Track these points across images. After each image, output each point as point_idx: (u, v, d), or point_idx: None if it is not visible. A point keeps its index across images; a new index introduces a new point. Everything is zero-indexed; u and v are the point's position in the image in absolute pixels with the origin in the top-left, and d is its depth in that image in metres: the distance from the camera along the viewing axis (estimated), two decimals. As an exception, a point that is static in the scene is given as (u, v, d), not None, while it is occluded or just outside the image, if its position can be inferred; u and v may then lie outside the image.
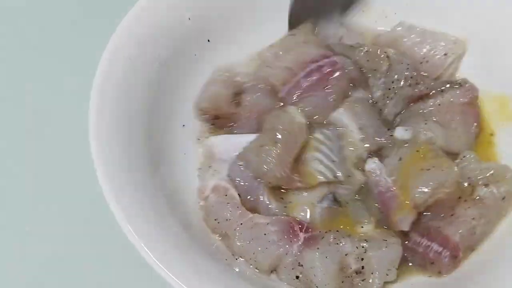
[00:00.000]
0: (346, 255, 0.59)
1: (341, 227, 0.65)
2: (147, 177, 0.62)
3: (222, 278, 0.57)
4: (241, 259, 0.62)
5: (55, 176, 0.77)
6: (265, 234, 0.61)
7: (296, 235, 0.61)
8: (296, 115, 0.66)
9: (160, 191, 0.62)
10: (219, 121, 0.72)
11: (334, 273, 0.59)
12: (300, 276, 0.60)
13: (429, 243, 0.61)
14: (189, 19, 0.72)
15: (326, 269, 0.58)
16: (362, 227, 0.66)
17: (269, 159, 0.63)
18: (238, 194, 0.65)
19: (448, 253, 0.60)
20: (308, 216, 0.65)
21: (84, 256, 0.72)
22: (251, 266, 0.61)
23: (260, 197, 0.64)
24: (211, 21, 0.74)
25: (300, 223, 0.62)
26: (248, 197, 0.65)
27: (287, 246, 0.60)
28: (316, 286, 0.59)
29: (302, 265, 0.59)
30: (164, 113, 0.70)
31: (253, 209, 0.64)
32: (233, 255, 0.62)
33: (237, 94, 0.72)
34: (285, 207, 0.66)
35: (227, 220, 0.62)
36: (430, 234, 0.61)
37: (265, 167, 0.63)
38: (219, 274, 0.57)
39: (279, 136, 0.64)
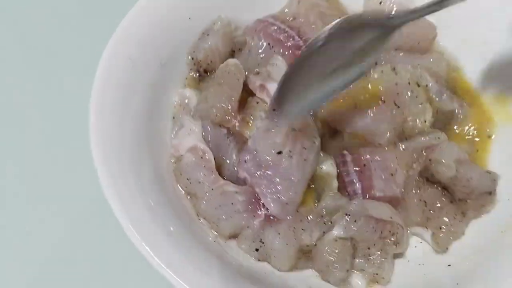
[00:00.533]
0: (302, 231, 0.61)
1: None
2: (146, 175, 0.62)
3: (221, 274, 0.56)
4: (204, 221, 0.62)
5: (55, 176, 0.78)
6: (232, 203, 0.61)
7: (260, 208, 0.62)
8: (231, 60, 0.70)
9: (160, 190, 0.62)
10: (206, 75, 0.73)
11: (293, 255, 0.60)
12: (260, 249, 0.61)
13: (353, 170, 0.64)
14: (190, 18, 0.72)
15: (285, 253, 0.60)
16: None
17: (213, 97, 0.68)
18: (212, 152, 0.65)
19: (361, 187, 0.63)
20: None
21: (84, 256, 0.72)
22: (212, 229, 0.62)
23: (229, 155, 0.65)
24: (211, 21, 0.75)
25: None
26: (220, 154, 0.65)
27: (250, 219, 0.61)
28: (274, 263, 0.61)
29: (263, 242, 0.61)
30: (164, 113, 0.70)
31: (220, 166, 0.65)
32: (197, 215, 0.63)
33: (234, 51, 0.74)
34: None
35: (199, 182, 0.62)
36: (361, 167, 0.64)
37: (210, 104, 0.67)
38: (220, 270, 0.57)
39: (219, 79, 0.69)
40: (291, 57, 0.72)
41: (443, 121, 0.70)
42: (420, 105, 0.67)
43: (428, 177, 0.65)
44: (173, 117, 0.70)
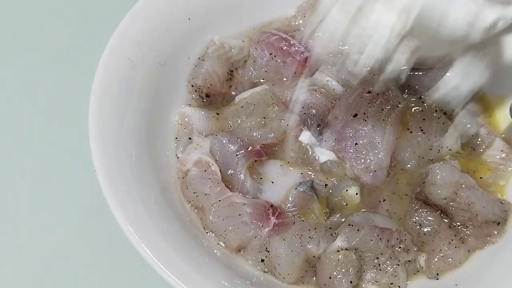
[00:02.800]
0: (309, 239, 0.61)
1: (312, 215, 0.65)
2: (143, 173, 0.62)
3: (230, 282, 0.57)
4: (211, 234, 0.63)
5: (55, 176, 0.78)
6: (239, 215, 0.62)
7: (268, 220, 0.62)
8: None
9: (158, 190, 0.63)
10: (209, 98, 0.74)
11: (298, 265, 0.60)
12: (265, 259, 0.61)
13: None
14: (189, 19, 0.72)
15: (290, 261, 0.60)
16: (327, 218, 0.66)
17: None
18: (220, 170, 0.65)
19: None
20: (280, 196, 0.66)
21: (84, 256, 0.72)
22: (220, 242, 0.62)
23: (238, 173, 0.65)
24: (211, 21, 0.75)
25: (273, 207, 0.63)
26: (228, 171, 0.66)
27: (258, 229, 0.61)
28: (279, 273, 0.60)
29: (268, 251, 0.61)
30: (164, 113, 0.70)
31: (228, 183, 0.65)
32: (204, 228, 0.63)
33: (232, 71, 0.75)
34: (261, 178, 0.67)
35: (206, 195, 0.63)
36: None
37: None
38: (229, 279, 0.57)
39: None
40: (293, 63, 0.74)
41: (468, 144, 0.70)
42: (447, 132, 0.68)
43: (425, 200, 0.64)
44: (176, 138, 0.70)
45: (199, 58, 0.75)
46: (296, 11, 0.79)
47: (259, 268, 0.61)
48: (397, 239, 0.61)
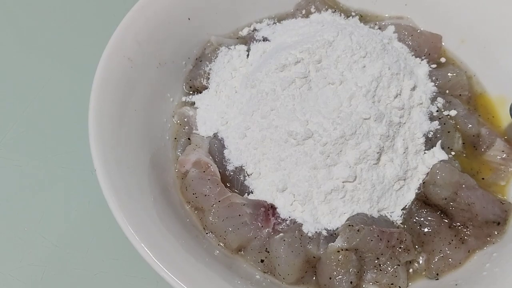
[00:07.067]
0: (308, 242, 0.61)
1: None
2: (143, 174, 0.62)
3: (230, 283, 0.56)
4: (211, 234, 0.62)
5: (55, 176, 0.78)
6: (239, 215, 0.61)
7: (268, 220, 0.62)
8: None
9: (158, 190, 0.63)
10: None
11: (298, 265, 0.60)
12: (265, 260, 0.61)
13: None
14: (189, 19, 0.72)
15: (290, 261, 0.60)
16: None
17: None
18: (219, 170, 0.65)
19: None
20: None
21: (83, 256, 0.72)
22: (220, 243, 0.62)
23: (237, 172, 0.65)
24: (211, 21, 0.75)
25: (273, 208, 0.63)
26: (226, 172, 0.66)
27: (258, 230, 0.61)
28: (279, 274, 0.60)
29: (268, 252, 0.61)
30: (163, 113, 0.70)
31: (227, 182, 0.65)
32: (204, 229, 0.63)
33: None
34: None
35: (205, 195, 0.63)
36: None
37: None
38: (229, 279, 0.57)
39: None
40: None
41: (469, 144, 0.70)
42: (448, 133, 0.68)
43: (425, 200, 0.64)
44: (175, 138, 0.70)
45: (196, 59, 0.75)
46: (294, 8, 0.79)
47: (259, 268, 0.61)
48: (397, 239, 0.61)
